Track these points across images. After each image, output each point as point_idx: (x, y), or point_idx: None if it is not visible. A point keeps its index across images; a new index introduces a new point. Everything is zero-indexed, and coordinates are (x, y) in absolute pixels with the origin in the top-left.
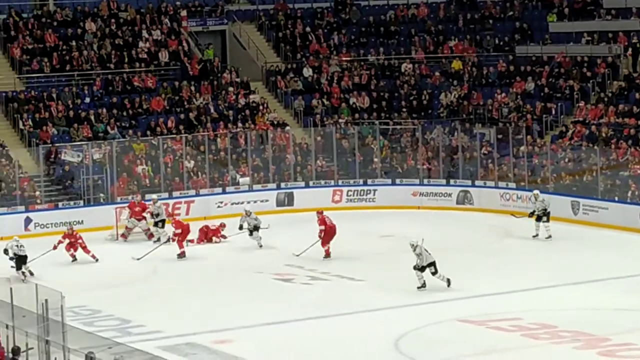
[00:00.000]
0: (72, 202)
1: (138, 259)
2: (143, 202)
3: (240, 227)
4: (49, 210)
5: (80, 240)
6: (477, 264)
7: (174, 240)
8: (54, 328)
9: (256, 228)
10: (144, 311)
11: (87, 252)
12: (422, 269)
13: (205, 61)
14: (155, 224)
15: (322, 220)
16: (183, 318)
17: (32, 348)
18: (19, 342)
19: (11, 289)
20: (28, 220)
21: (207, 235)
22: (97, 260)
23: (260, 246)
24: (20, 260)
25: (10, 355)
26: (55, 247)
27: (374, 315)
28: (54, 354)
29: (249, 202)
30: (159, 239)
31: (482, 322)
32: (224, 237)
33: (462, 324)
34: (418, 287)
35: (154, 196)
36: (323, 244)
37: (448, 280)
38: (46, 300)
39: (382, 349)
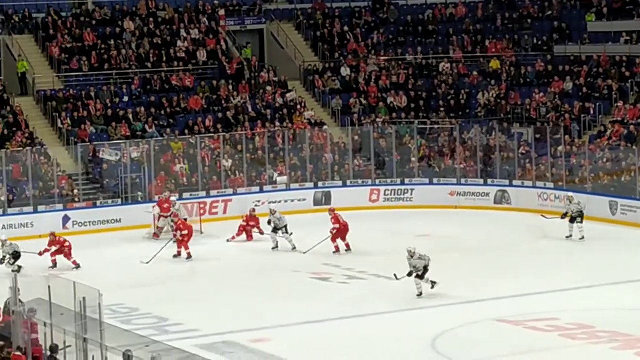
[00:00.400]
0: (110, 201)
1: (147, 263)
2: (170, 200)
3: (269, 223)
4: (87, 209)
5: (67, 244)
6: (514, 264)
7: (179, 240)
8: (92, 326)
9: (280, 227)
10: (182, 309)
11: (69, 258)
12: (418, 275)
13: (244, 60)
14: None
15: (336, 219)
16: (220, 316)
17: (69, 346)
18: (57, 340)
19: (49, 287)
20: (66, 219)
21: (246, 229)
22: (79, 267)
23: (294, 248)
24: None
25: (49, 353)
26: (41, 254)
27: (411, 315)
28: (91, 352)
29: (257, 204)
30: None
31: (519, 322)
32: (261, 231)
33: (499, 324)
34: (418, 295)
35: (173, 198)
36: (334, 240)
37: (432, 283)
38: (84, 298)
39: (418, 349)
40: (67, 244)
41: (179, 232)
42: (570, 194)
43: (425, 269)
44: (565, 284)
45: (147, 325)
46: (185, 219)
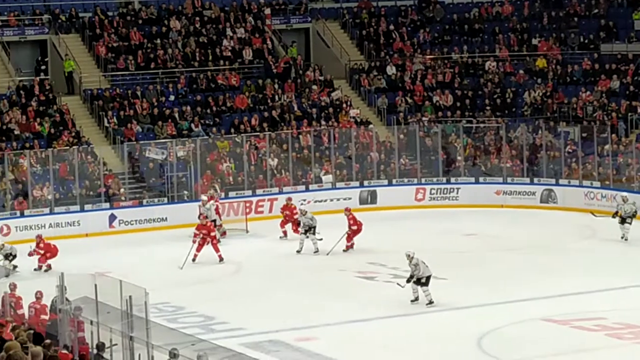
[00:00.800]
0: (156, 200)
1: (181, 268)
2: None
3: (299, 224)
4: (133, 208)
5: (53, 245)
6: (560, 263)
7: (199, 244)
8: (138, 324)
9: (310, 228)
10: (227, 308)
11: (44, 261)
12: (417, 281)
13: (290, 59)
14: None
15: (354, 219)
16: (266, 315)
17: (116, 344)
18: (103, 338)
19: (96, 285)
20: (112, 217)
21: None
22: (49, 268)
23: (316, 250)
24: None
25: (95, 351)
26: (30, 255)
27: (457, 314)
28: (137, 350)
29: (302, 203)
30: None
31: (565, 322)
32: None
33: (545, 323)
34: (412, 301)
35: (204, 197)
36: (349, 240)
37: (431, 302)
38: (130, 297)
39: (464, 348)
40: (48, 254)
41: (199, 234)
42: (624, 193)
43: (428, 279)
44: (612, 284)
45: (193, 324)
46: (214, 220)
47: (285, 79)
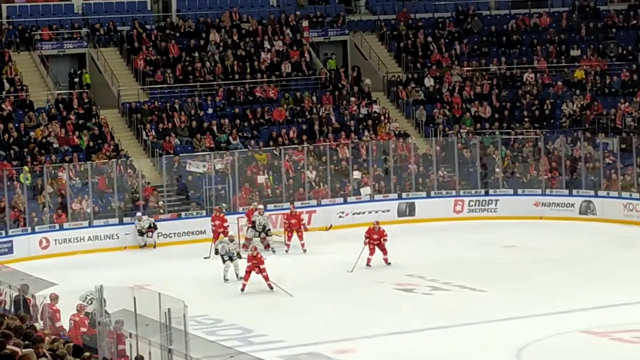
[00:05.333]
0: (194, 212)
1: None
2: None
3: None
4: (172, 220)
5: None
6: (600, 274)
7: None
8: (177, 337)
9: (265, 228)
10: (266, 320)
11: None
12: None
13: (331, 72)
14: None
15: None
16: (305, 327)
17: None
18: (142, 351)
19: (134, 298)
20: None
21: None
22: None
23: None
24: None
25: None
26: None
27: (496, 326)
28: None
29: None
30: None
31: (604, 334)
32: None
33: (584, 335)
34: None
35: (260, 206)
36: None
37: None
38: (169, 309)
39: None
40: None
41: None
42: None
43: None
44: None
45: (232, 336)
46: (269, 229)
47: (325, 91)
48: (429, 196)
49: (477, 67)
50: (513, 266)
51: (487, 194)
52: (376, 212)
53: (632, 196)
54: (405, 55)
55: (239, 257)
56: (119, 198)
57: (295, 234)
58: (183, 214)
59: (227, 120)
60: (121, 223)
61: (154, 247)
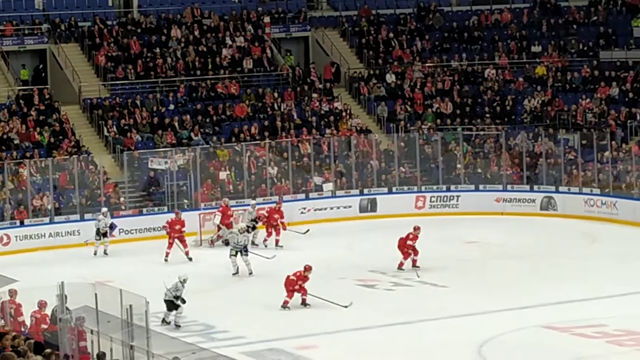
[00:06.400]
0: (156, 208)
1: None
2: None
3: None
4: (133, 217)
5: None
6: (561, 270)
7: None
8: (139, 333)
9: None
10: (228, 317)
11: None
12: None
13: (289, 67)
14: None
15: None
16: (266, 323)
17: None
18: (103, 347)
19: (96, 294)
20: (113, 226)
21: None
22: None
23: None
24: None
25: None
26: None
27: (457, 322)
28: (138, 359)
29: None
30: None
31: (566, 329)
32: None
33: (546, 331)
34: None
35: (253, 201)
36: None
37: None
38: (130, 306)
39: (465, 356)
40: None
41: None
42: None
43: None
44: (613, 290)
45: (194, 333)
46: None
47: (285, 87)
48: (390, 192)
49: (439, 63)
50: (474, 262)
51: (448, 189)
52: (338, 208)
53: (592, 192)
54: (367, 52)
55: (246, 251)
56: (80, 194)
57: (273, 230)
58: (144, 210)
59: (188, 117)
60: (82, 219)
61: (106, 253)
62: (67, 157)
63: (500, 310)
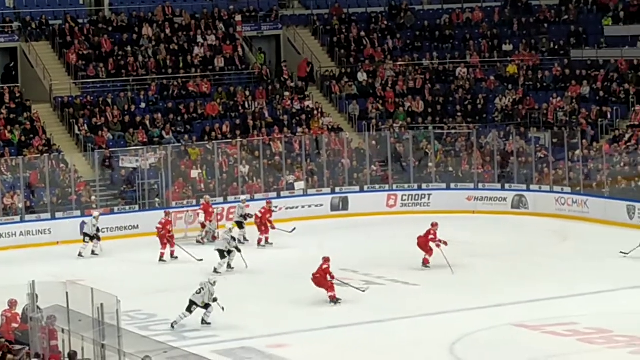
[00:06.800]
0: (127, 207)
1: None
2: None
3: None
4: (104, 215)
5: None
6: (532, 268)
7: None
8: (110, 332)
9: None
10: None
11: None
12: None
13: (260, 66)
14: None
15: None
16: (238, 322)
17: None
18: (75, 346)
19: (67, 293)
20: (84, 225)
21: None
22: None
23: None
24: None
25: None
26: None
27: (429, 320)
28: (109, 358)
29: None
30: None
31: (537, 327)
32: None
33: (517, 329)
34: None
35: (243, 197)
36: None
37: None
38: (102, 305)
39: (436, 354)
40: None
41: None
42: None
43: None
44: (584, 289)
45: (165, 332)
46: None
47: (257, 86)
48: (362, 190)
49: (410, 61)
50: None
51: (420, 188)
52: (309, 206)
53: (563, 190)
54: (339, 50)
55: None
56: (51, 193)
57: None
58: (115, 208)
59: (160, 115)
60: (53, 218)
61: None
62: (38, 155)
63: (472, 309)
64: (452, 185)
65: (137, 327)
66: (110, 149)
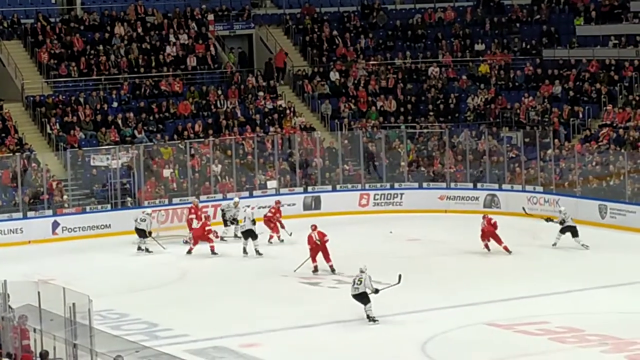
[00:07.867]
0: (99, 206)
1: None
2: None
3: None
4: (76, 215)
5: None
6: (504, 267)
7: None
8: (82, 332)
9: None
10: (171, 315)
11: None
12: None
13: (232, 65)
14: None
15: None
16: (210, 321)
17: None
18: (46, 346)
19: (39, 292)
20: (55, 224)
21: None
22: None
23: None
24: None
25: (39, 359)
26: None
27: (401, 319)
28: (81, 357)
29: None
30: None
31: (509, 326)
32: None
33: (489, 328)
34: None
35: (236, 198)
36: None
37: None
38: (74, 304)
39: (409, 353)
40: None
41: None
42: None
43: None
44: (556, 288)
45: (137, 331)
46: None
47: (229, 85)
48: (334, 190)
49: (383, 61)
50: (418, 259)
51: (392, 187)
52: (282, 205)
53: (535, 189)
54: (311, 49)
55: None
56: (22, 192)
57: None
58: (87, 208)
59: (132, 114)
60: (25, 217)
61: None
62: (10, 154)
63: (444, 308)
64: (424, 185)
65: (109, 326)
66: (83, 148)
